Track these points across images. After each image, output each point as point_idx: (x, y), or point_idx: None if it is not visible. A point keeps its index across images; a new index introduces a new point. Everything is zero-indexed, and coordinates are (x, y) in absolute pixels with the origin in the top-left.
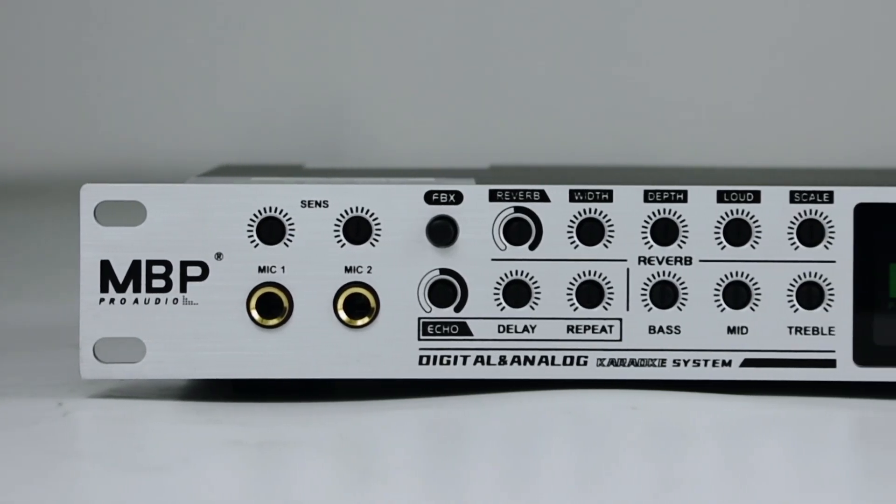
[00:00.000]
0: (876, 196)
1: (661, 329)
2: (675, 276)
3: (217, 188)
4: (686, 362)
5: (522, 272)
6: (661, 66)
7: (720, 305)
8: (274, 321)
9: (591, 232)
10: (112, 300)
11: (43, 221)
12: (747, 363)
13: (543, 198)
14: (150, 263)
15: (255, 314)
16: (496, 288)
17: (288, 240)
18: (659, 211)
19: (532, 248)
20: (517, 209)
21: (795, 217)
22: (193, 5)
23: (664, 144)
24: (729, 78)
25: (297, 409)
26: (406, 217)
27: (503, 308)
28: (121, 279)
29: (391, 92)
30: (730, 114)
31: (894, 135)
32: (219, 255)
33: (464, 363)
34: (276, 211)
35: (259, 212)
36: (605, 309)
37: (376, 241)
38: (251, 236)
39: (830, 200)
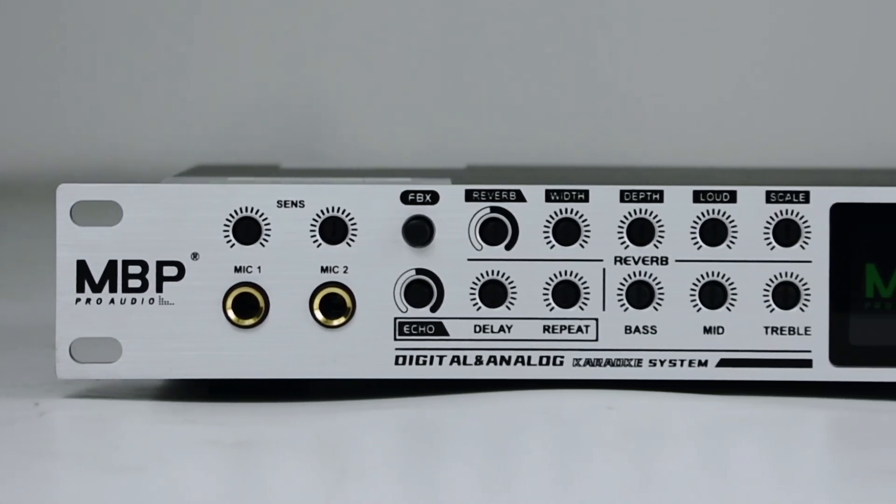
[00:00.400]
0: (852, 196)
1: (637, 329)
2: (651, 276)
3: (193, 188)
4: (662, 362)
5: (498, 272)
6: (637, 66)
7: (696, 305)
8: (250, 321)
9: (567, 232)
10: (88, 300)
11: (19, 221)
12: (723, 363)
13: (519, 198)
14: (126, 263)
15: (231, 314)
16: (472, 288)
17: (264, 240)
18: (635, 211)
19: (508, 248)
20: (493, 209)
21: (771, 217)
22: (169, 5)
23: (640, 144)
24: (705, 78)
25: (273, 409)
26: (382, 217)
27: (479, 308)
28: (97, 279)
29: (367, 92)
30: (706, 114)
31: (870, 134)
32: (195, 255)
33: (440, 363)
34: (252, 211)
35: (235, 212)
36: (582, 309)
37: (352, 241)
38: (227, 236)
39: (806, 200)
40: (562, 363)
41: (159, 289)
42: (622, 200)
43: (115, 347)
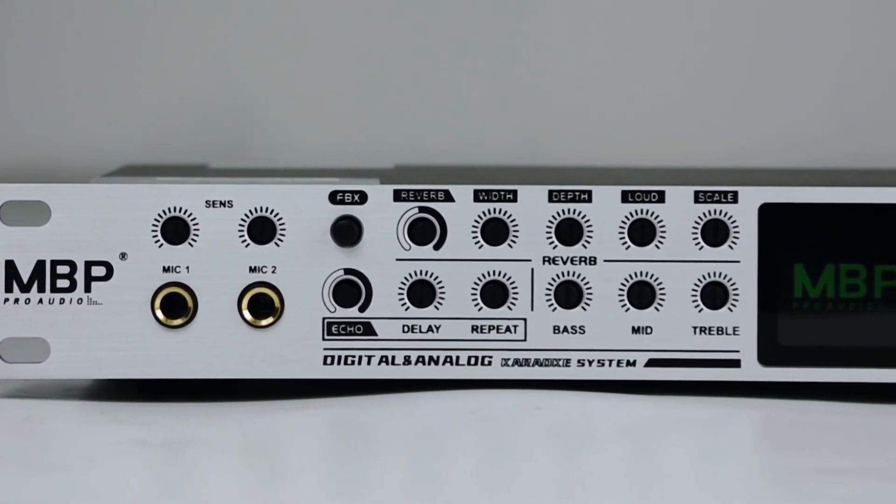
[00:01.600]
0: (780, 196)
1: (565, 329)
2: (579, 276)
3: (121, 188)
4: (590, 362)
5: (427, 272)
6: (566, 67)
7: (624, 305)
8: (178, 321)
9: (495, 232)
10: (17, 300)
11: None
12: (652, 363)
13: (448, 198)
14: (54, 263)
15: (159, 314)
16: (400, 288)
17: (192, 240)
18: (563, 211)
19: (436, 248)
20: (422, 209)
21: (700, 217)
22: (95, 4)
23: (568, 144)
24: (633, 79)
25: (201, 410)
26: (310, 217)
27: (408, 308)
28: (25, 279)
29: (296, 92)
30: (634, 114)
31: (798, 135)
32: (123, 255)
33: (368, 363)
34: (180, 211)
35: (163, 212)
36: (510, 309)
37: (280, 240)
38: (155, 236)
39: (735, 200)
40: (490, 363)
41: (88, 289)
42: (550, 200)
43: (44, 347)
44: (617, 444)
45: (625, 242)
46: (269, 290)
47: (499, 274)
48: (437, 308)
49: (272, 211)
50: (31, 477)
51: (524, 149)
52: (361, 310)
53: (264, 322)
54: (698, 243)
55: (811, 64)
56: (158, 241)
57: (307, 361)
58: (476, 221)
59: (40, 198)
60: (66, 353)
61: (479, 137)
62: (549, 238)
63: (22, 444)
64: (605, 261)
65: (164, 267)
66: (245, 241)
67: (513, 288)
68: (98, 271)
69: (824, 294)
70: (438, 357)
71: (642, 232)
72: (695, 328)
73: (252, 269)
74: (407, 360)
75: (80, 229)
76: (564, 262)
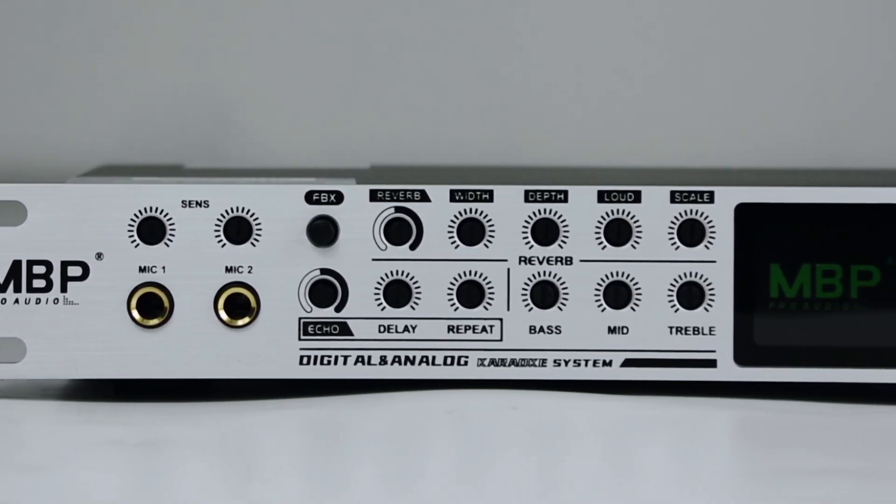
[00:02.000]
0: (756, 196)
1: (541, 329)
2: (555, 276)
3: (97, 188)
4: (567, 362)
5: (403, 272)
6: (541, 66)
7: (601, 305)
8: (154, 321)
9: (471, 232)
10: None
11: None
12: (628, 363)
13: (424, 198)
14: (30, 263)
15: (135, 314)
16: (377, 288)
17: (168, 240)
18: (539, 211)
19: (413, 248)
20: (398, 209)
21: (676, 217)
22: (72, 4)
23: (545, 144)
24: (610, 78)
25: (178, 410)
26: (286, 217)
27: (384, 308)
28: (1, 279)
29: (272, 91)
30: (610, 114)
31: (774, 135)
32: (99, 255)
33: (344, 363)
34: (156, 211)
35: (139, 212)
36: (486, 309)
37: (257, 241)
38: (132, 236)
39: (711, 200)
40: (466, 363)
41: (64, 289)
42: (526, 200)
43: (20, 347)
44: (593, 444)
45: (601, 242)
46: (246, 290)
47: (475, 274)
48: (413, 308)
49: (248, 211)
50: (7, 477)
51: (500, 149)
52: (338, 310)
53: (240, 322)
54: (674, 243)
55: (788, 64)
56: (135, 241)
57: (283, 361)
58: (452, 221)
59: (16, 198)
60: (42, 353)
61: (456, 138)
62: (525, 238)
63: None
64: (581, 261)
65: (140, 267)
66: (221, 241)
67: (489, 288)
68: (74, 271)
69: (800, 294)
70: (415, 357)
71: (618, 232)
72: (671, 328)
73: (228, 269)
74: (383, 360)
75: (56, 229)
76: (541, 262)
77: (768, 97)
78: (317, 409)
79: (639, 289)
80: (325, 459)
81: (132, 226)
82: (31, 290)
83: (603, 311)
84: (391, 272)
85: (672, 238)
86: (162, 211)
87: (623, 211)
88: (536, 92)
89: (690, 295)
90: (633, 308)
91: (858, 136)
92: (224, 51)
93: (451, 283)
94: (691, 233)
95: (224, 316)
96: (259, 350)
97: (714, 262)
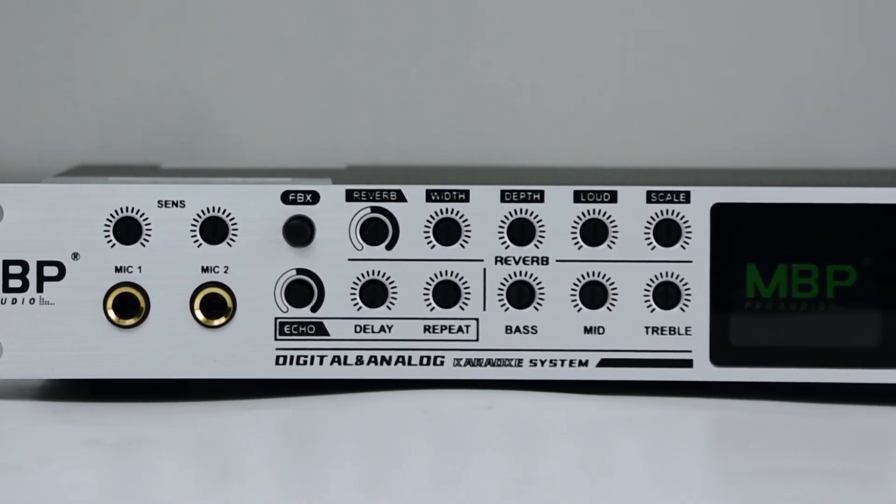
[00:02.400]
0: (732, 196)
1: (517, 329)
2: (531, 276)
3: (73, 188)
4: (543, 362)
5: (379, 272)
6: (517, 66)
7: (577, 305)
8: (131, 321)
9: (447, 232)
10: None
11: None
12: (604, 363)
13: (400, 198)
14: (6, 263)
15: (111, 314)
16: (353, 288)
17: (144, 240)
18: (516, 211)
19: (389, 248)
20: (374, 209)
21: (652, 217)
22: (47, 3)
23: (521, 144)
24: (585, 78)
25: (154, 409)
26: (263, 217)
27: (360, 308)
28: None
29: (248, 91)
30: (586, 114)
31: (750, 135)
32: (75, 255)
33: (321, 363)
34: (132, 211)
35: (116, 212)
36: (462, 309)
37: (233, 241)
38: (108, 236)
39: (687, 200)
40: (442, 363)
41: (40, 289)
42: (503, 200)
43: None
44: (569, 443)
45: (577, 242)
46: (222, 290)
47: (451, 274)
48: (389, 308)
49: (224, 211)
50: None
51: (476, 149)
52: (314, 310)
53: (216, 322)
54: (650, 243)
55: (764, 64)
56: (111, 241)
57: (259, 361)
58: (428, 221)
59: None
60: (18, 353)
61: (432, 137)
62: (501, 238)
63: None
64: (557, 261)
65: (116, 267)
66: (197, 240)
67: (465, 288)
68: (50, 271)
69: (776, 294)
70: (391, 357)
71: (594, 232)
72: (647, 328)
73: (204, 269)
74: (359, 360)
75: (32, 229)
76: (517, 262)
77: (745, 97)
78: (293, 409)
79: (615, 289)
80: (301, 459)
81: (108, 226)
82: (6, 290)
83: (579, 311)
84: (367, 272)
85: (648, 238)
86: (138, 211)
87: (599, 211)
88: (512, 92)
89: (667, 295)
90: (609, 308)
91: (835, 137)
92: (200, 51)
93: (428, 284)
94: (667, 233)
95: (200, 316)
96: (235, 350)
97: (690, 262)
